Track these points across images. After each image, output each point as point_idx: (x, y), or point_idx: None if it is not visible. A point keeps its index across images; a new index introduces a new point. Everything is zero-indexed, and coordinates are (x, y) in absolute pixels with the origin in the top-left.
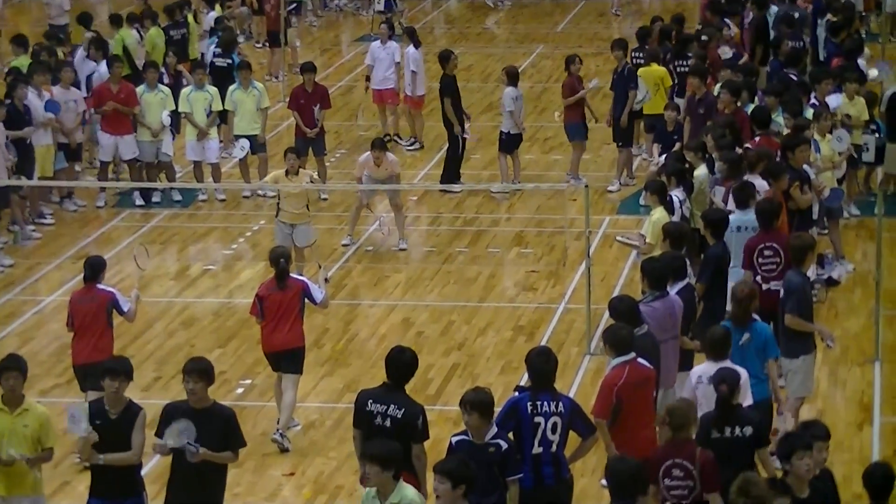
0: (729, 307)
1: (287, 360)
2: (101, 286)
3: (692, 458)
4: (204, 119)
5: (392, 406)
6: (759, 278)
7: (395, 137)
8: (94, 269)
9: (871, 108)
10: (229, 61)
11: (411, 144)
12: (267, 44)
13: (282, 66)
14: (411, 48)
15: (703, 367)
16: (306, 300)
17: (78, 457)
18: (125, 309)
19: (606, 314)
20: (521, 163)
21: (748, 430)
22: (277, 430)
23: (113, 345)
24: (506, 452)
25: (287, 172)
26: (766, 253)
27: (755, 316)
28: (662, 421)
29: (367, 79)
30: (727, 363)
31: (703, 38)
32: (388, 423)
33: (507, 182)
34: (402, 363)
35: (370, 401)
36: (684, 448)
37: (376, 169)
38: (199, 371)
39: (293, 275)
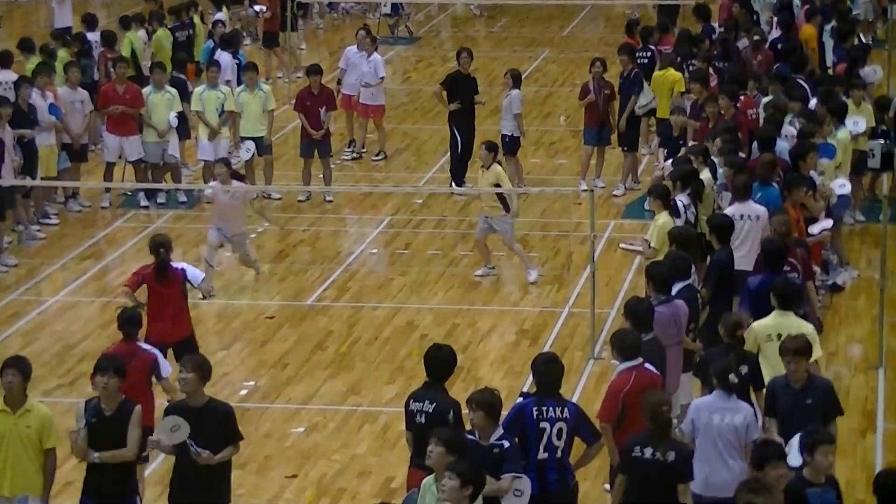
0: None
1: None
2: (142, 345)
3: (796, 256)
4: (216, 118)
5: (426, 402)
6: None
7: (362, 150)
8: (131, 323)
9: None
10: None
11: (377, 155)
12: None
13: (285, 68)
14: (377, 54)
15: None
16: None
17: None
18: (164, 375)
19: (611, 319)
20: (527, 167)
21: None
22: None
23: (153, 411)
24: (506, 450)
25: (482, 166)
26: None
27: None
28: (774, 231)
29: (339, 82)
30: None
31: (756, 37)
32: (423, 419)
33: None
34: (437, 360)
35: (412, 400)
36: (791, 250)
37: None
38: (195, 363)
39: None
